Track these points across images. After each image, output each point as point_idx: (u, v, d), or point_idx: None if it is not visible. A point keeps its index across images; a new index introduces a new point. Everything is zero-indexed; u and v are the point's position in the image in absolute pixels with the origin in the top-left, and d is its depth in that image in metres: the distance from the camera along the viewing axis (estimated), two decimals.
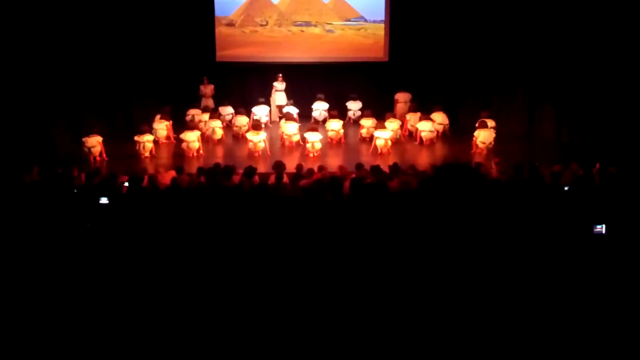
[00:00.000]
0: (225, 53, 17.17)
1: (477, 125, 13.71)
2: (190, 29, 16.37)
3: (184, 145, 13.69)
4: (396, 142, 14.20)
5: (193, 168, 11.64)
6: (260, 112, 15.75)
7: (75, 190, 9.41)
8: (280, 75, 16.31)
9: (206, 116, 15.16)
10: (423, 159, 13.13)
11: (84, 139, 13.29)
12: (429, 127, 14.33)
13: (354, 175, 9.95)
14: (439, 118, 14.81)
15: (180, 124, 15.01)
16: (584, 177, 9.70)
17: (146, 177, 10.05)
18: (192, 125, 14.60)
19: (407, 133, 15.09)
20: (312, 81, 16.99)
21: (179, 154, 13.82)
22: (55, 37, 13.90)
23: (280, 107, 16.30)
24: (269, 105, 16.23)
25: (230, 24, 17.22)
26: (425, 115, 14.66)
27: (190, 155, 13.63)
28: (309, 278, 2.63)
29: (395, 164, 10.78)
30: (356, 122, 15.76)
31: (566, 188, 9.29)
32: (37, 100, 13.74)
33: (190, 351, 2.55)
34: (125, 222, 7.38)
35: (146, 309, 2.94)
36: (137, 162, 12.95)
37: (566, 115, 14.47)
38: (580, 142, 13.83)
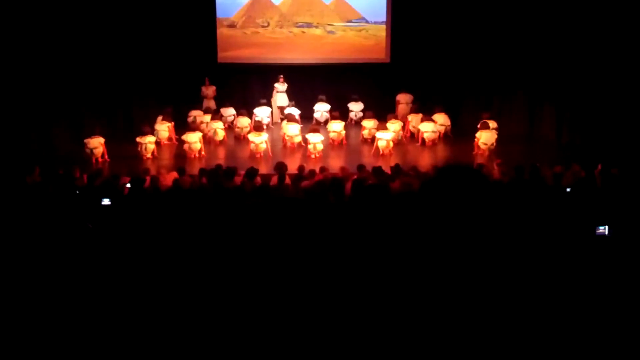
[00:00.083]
0: (226, 54, 17.18)
1: (478, 126, 13.71)
2: (191, 31, 16.38)
3: (185, 146, 13.70)
4: (398, 143, 14.20)
5: (195, 169, 11.65)
6: (261, 113, 15.75)
7: (77, 192, 9.42)
8: (282, 76, 16.31)
9: (208, 117, 15.18)
10: (425, 160, 13.12)
11: (86, 140, 13.31)
12: (431, 128, 14.32)
13: (355, 177, 9.95)
14: (441, 119, 14.81)
15: (182, 125, 15.03)
16: (586, 179, 9.69)
17: (148, 178, 10.06)
18: (193, 127, 14.60)
19: (408, 134, 15.08)
20: (313, 82, 16.99)
21: (180, 155, 13.83)
22: (57, 38, 13.92)
23: (281, 109, 16.30)
24: (271, 106, 16.22)
25: (232, 26, 17.23)
26: (427, 117, 14.67)
27: (192, 156, 13.63)
28: (311, 279, 2.63)
29: (397, 165, 10.77)
30: (358, 124, 15.76)
31: (568, 189, 9.28)
32: (38, 101, 13.76)
33: (194, 352, 2.55)
34: (127, 223, 7.39)
35: (149, 310, 2.94)
36: (139, 163, 12.95)
37: (567, 116, 14.47)
38: (581, 143, 13.82)
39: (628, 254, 5.22)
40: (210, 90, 16.43)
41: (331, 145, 14.40)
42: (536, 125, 15.16)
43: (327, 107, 16.02)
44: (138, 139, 13.60)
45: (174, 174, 10.71)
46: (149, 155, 13.57)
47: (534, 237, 4.61)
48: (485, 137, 13.46)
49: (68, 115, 14.56)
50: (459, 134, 14.98)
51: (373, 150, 13.77)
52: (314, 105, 16.17)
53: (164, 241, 4.91)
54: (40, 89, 13.73)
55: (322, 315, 2.43)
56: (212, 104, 16.27)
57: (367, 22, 17.20)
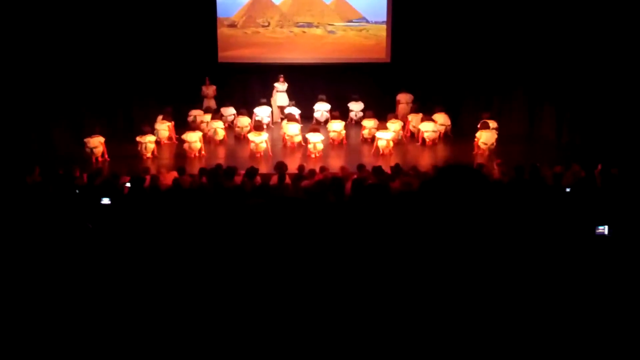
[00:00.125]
0: (227, 54, 17.19)
1: (478, 126, 13.72)
2: (192, 30, 16.39)
3: (185, 145, 13.70)
4: (398, 143, 14.20)
5: (195, 169, 11.64)
6: (262, 112, 15.75)
7: (77, 191, 9.42)
8: (282, 75, 16.31)
9: (208, 117, 15.18)
10: (425, 160, 13.12)
11: (86, 140, 13.31)
12: (431, 127, 14.33)
13: (355, 176, 9.95)
14: (441, 119, 14.81)
15: (182, 125, 15.03)
16: (586, 179, 9.69)
17: (148, 178, 10.06)
18: (193, 126, 14.60)
19: (408, 134, 15.09)
20: (313, 82, 16.99)
21: (180, 154, 13.83)
22: (57, 38, 13.93)
23: (281, 108, 16.31)
24: (271, 106, 16.23)
25: (232, 25, 17.24)
26: (427, 116, 14.68)
27: (192, 155, 13.63)
28: (311, 279, 2.62)
29: (397, 165, 10.77)
30: (358, 123, 15.77)
31: (568, 189, 9.28)
32: (38, 101, 13.76)
33: (193, 351, 2.55)
34: (127, 222, 7.39)
35: (148, 309, 2.94)
36: (139, 162, 12.95)
37: (567, 116, 14.48)
38: (581, 143, 13.83)
39: (628, 254, 5.22)
40: (210, 90, 16.44)
41: (331, 144, 14.40)
42: (536, 125, 15.17)
43: (327, 106, 16.03)
44: (138, 139, 13.61)
45: (174, 174, 10.71)
46: (149, 155, 13.58)
47: (534, 237, 4.61)
48: (485, 137, 13.47)
49: (68, 115, 14.56)
50: (459, 134, 14.99)
51: (373, 150, 13.77)
52: (314, 104, 16.18)
53: (164, 241, 4.91)
54: (40, 88, 13.73)
55: (322, 315, 2.43)
56: (212, 104, 16.29)
57: (367, 22, 17.21)
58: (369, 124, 14.57)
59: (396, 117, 14.88)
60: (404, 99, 16.09)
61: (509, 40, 14.92)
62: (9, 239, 5.42)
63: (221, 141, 14.73)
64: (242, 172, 10.41)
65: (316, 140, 13.46)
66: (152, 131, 14.16)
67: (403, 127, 14.79)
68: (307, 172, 10.27)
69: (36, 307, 3.17)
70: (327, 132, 14.57)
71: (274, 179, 10.11)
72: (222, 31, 17.15)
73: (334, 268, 2.70)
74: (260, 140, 13.47)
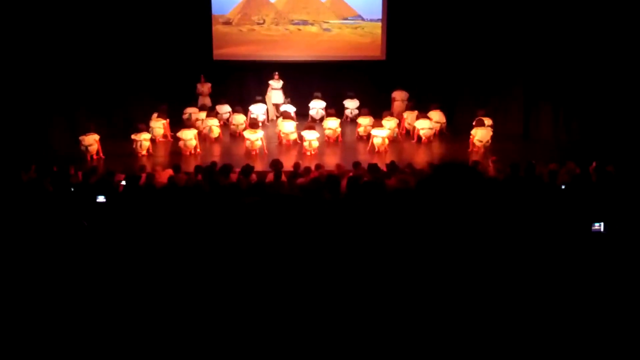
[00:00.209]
0: (222, 51, 17.14)
1: (474, 123, 13.72)
2: (187, 28, 16.33)
3: (181, 143, 13.67)
4: (393, 140, 14.20)
5: (190, 166, 11.62)
6: (257, 110, 15.73)
7: (72, 189, 9.40)
8: (277, 73, 16.29)
9: (203, 114, 15.15)
10: (420, 158, 13.13)
11: (81, 138, 13.27)
12: (426, 125, 14.34)
13: (351, 174, 9.96)
14: (436, 116, 14.82)
15: (177, 123, 14.97)
16: (581, 176, 9.71)
17: (143, 176, 10.04)
18: (189, 124, 14.57)
19: (404, 131, 15.09)
20: (309, 80, 16.97)
21: (176, 152, 13.81)
22: (52, 36, 13.88)
23: (277, 106, 16.30)
24: (266, 103, 16.21)
25: (227, 23, 17.20)
26: (423, 114, 14.67)
27: (188, 153, 13.61)
28: (306, 276, 2.62)
29: (392, 163, 10.78)
30: (353, 121, 15.76)
31: (563, 187, 9.31)
32: (34, 98, 13.71)
33: (187, 349, 2.54)
34: (122, 220, 7.37)
35: (143, 307, 2.93)
36: (134, 160, 12.93)
37: (562, 114, 14.50)
38: (577, 141, 13.85)
39: (623, 251, 5.24)
40: (205, 88, 16.41)
41: (327, 142, 14.40)
42: (532, 124, 15.18)
43: (323, 104, 16.03)
44: (133, 136, 13.58)
45: (169, 171, 10.70)
46: (144, 153, 13.55)
47: (530, 234, 4.62)
48: (481, 135, 13.48)
49: (64, 113, 14.52)
50: (455, 131, 15.01)
51: (369, 148, 13.77)
52: (309, 102, 16.16)
53: (159, 238, 4.90)
54: (36, 86, 13.68)
55: (318, 312, 2.43)
56: (207, 101, 16.25)
57: (362, 19, 17.19)
58: (365, 121, 14.58)
59: (392, 115, 14.87)
60: (399, 97, 16.10)
61: (504, 38, 14.91)
62: (4, 236, 5.41)
63: (216, 139, 14.71)
64: (238, 169, 10.41)
65: (312, 137, 13.46)
66: (147, 129, 14.11)
67: (398, 125, 14.78)
68: (302, 170, 10.27)
69: (31, 304, 3.16)
70: (322, 129, 14.56)
71: (270, 177, 10.11)
72: (217, 28, 17.11)
73: (330, 265, 2.69)
74: (255, 137, 13.45)
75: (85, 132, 13.33)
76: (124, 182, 9.67)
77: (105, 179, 9.78)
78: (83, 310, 3.04)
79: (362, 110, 15.27)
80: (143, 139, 13.57)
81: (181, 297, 2.83)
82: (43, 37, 13.72)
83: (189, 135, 13.64)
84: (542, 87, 14.71)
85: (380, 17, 16.99)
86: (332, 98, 16.16)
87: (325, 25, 17.22)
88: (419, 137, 14.37)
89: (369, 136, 14.02)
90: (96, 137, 13.37)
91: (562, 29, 13.85)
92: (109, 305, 3.05)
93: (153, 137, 14.26)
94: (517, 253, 2.65)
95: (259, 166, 11.74)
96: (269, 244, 2.76)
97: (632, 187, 8.85)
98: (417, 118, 14.59)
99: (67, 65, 14.23)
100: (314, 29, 17.26)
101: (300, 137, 13.89)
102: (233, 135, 15.07)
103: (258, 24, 17.24)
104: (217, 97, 16.23)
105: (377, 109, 15.04)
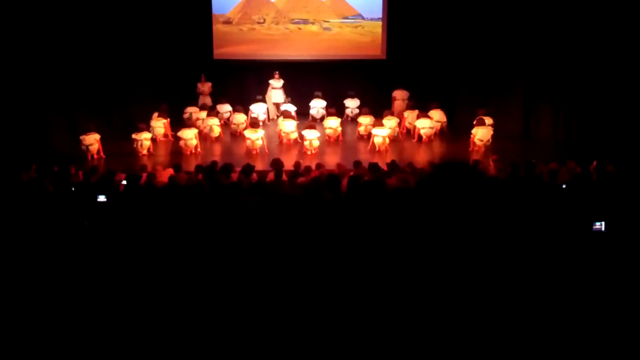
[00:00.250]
0: (222, 51, 17.14)
1: (474, 122, 13.72)
2: (187, 27, 16.33)
3: (181, 143, 13.67)
4: (394, 139, 14.20)
5: (191, 166, 11.62)
6: (258, 109, 15.72)
7: (73, 188, 9.40)
8: (277, 72, 16.29)
9: (204, 114, 15.15)
10: (421, 157, 13.13)
11: (81, 137, 13.26)
12: (427, 124, 14.34)
13: (351, 173, 9.96)
14: (437, 116, 14.82)
15: (178, 122, 14.97)
16: (581, 175, 9.71)
17: (144, 175, 10.04)
18: (189, 123, 14.57)
19: (405, 131, 15.09)
20: (309, 79, 16.98)
21: (176, 151, 13.80)
22: (52, 35, 13.88)
23: (277, 105, 16.30)
24: (267, 102, 16.21)
25: (228, 22, 17.19)
26: (423, 113, 14.66)
27: (188, 153, 13.61)
28: (307, 275, 2.62)
29: (393, 162, 10.78)
30: (354, 120, 15.76)
31: (564, 186, 9.30)
32: (34, 98, 13.71)
33: (188, 348, 2.54)
34: (123, 220, 7.37)
35: (144, 306, 2.93)
36: (134, 160, 12.93)
37: (562, 113, 14.49)
38: (577, 140, 13.85)
39: (624, 250, 5.23)
40: (206, 87, 16.41)
41: (327, 141, 14.40)
42: (532, 122, 15.18)
43: (323, 103, 16.03)
44: (134, 136, 13.58)
45: (170, 171, 10.70)
46: (144, 152, 13.55)
47: (530, 233, 4.61)
48: (481, 134, 13.48)
49: (65, 113, 14.52)
50: (455, 131, 15.01)
51: (369, 147, 13.76)
52: (310, 101, 16.16)
53: (160, 238, 4.90)
54: (37, 86, 13.68)
55: (319, 311, 2.43)
56: (208, 101, 16.25)
57: (363, 18, 17.17)
58: (365, 120, 14.58)
59: (392, 114, 14.88)
60: (399, 96, 16.10)
61: (504, 38, 14.91)
62: (4, 236, 5.41)
63: (217, 138, 14.70)
64: (238, 169, 10.41)
65: (312, 137, 13.46)
66: (148, 128, 14.11)
67: (399, 124, 14.78)
68: (303, 169, 10.27)
69: (32, 303, 3.16)
70: (323, 129, 14.55)
71: (270, 176, 10.11)
72: (218, 28, 17.11)
73: (330, 264, 2.69)
74: (256, 137, 13.45)
75: (86, 131, 13.33)
76: (124, 182, 9.67)
77: (106, 179, 9.78)
78: (84, 309, 3.04)
79: (362, 109, 15.27)
80: (144, 139, 13.57)
81: (182, 296, 2.83)
82: (43, 37, 13.71)
83: (189, 135, 13.64)
84: (542, 86, 14.70)
85: (380, 16, 16.98)
86: (332, 97, 16.16)
87: (325, 25, 17.21)
88: (420, 137, 14.36)
89: (369, 135, 14.02)
90: (97, 136, 13.37)
91: (562, 29, 13.84)
92: (110, 305, 3.05)
93: (154, 137, 14.25)
94: (518, 252, 2.65)
95: (259, 165, 11.74)
96: (270, 243, 2.76)
97: (632, 186, 8.84)
98: (418, 117, 14.58)
99: (67, 65, 14.24)
100: (314, 28, 17.25)
101: (301, 137, 13.89)
102: (234, 135, 15.07)
103: (258, 23, 17.23)
104: (218, 97, 16.22)
105: (378, 108, 15.05)
